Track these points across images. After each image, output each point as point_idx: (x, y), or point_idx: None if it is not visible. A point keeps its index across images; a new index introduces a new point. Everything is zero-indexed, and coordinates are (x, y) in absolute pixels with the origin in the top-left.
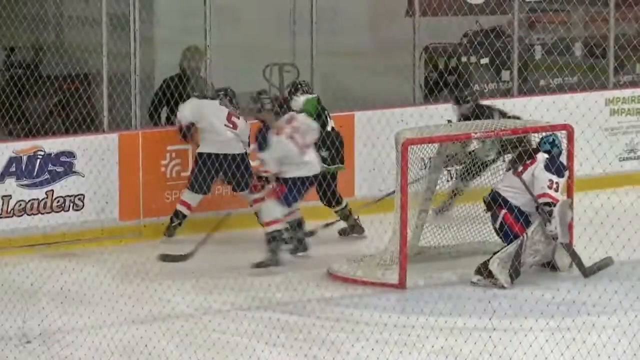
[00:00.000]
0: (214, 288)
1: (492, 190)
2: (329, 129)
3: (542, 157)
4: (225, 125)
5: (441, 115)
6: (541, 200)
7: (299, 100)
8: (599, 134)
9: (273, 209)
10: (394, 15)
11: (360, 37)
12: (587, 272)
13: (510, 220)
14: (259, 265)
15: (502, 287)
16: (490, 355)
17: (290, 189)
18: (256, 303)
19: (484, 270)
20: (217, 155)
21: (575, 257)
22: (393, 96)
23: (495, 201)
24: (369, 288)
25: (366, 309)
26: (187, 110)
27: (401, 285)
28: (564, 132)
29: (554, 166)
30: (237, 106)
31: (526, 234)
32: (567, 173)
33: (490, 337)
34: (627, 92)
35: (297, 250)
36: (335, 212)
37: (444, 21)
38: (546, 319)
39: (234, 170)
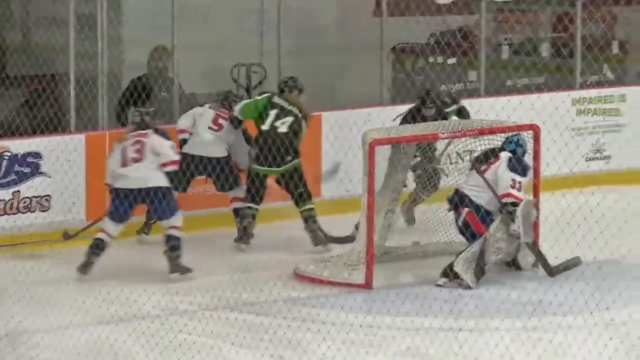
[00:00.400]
0: (180, 289)
1: (456, 189)
2: (264, 127)
3: (505, 156)
4: (209, 127)
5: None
6: (505, 200)
7: (237, 106)
8: (566, 134)
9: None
10: (361, 16)
11: (327, 37)
12: (554, 272)
13: (473, 219)
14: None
15: (468, 287)
16: (456, 355)
17: (113, 199)
18: (222, 303)
19: (449, 272)
20: (192, 156)
21: (540, 257)
22: (361, 96)
23: (460, 200)
24: (336, 288)
25: (332, 310)
26: (189, 120)
27: (367, 285)
28: (530, 132)
29: (519, 166)
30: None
31: (488, 232)
32: (530, 173)
33: (456, 337)
34: (594, 93)
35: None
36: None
37: (412, 21)
38: (512, 319)
39: (218, 172)
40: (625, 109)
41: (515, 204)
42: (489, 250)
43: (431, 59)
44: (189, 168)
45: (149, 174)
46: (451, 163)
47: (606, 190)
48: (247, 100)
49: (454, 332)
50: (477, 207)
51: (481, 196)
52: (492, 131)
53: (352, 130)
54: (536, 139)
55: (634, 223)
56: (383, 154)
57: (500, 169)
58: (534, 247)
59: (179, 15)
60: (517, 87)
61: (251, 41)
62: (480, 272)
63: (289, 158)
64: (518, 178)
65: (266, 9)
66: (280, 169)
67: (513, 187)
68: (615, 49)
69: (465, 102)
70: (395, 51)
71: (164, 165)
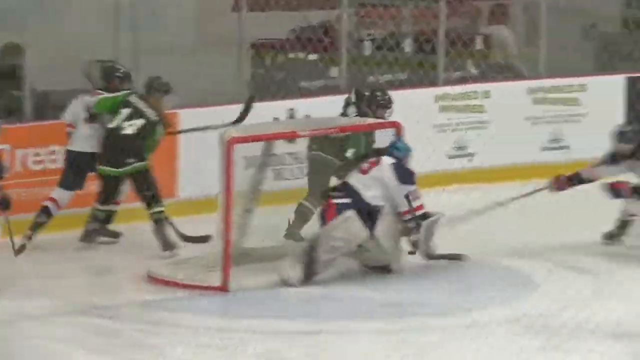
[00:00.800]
0: (30, 293)
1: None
2: (110, 126)
3: (386, 161)
4: (84, 119)
5: (270, 113)
6: (414, 215)
7: (92, 100)
8: (429, 131)
9: None
10: (220, 11)
11: (186, 34)
12: (431, 255)
13: (331, 212)
14: None
15: (293, 285)
16: (316, 358)
17: None
18: (73, 308)
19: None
20: (71, 152)
21: (443, 257)
22: (219, 94)
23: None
24: (191, 291)
25: (187, 313)
26: (69, 114)
27: (224, 288)
28: (392, 129)
29: (406, 174)
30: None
31: (324, 229)
32: (415, 177)
33: (315, 340)
34: (457, 89)
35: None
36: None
37: (272, 16)
38: (373, 320)
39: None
40: (489, 105)
41: (425, 215)
42: (321, 248)
43: (292, 55)
44: (72, 165)
45: None
46: None
47: (469, 189)
48: (108, 95)
49: (314, 335)
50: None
51: (363, 193)
52: (353, 129)
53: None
54: (398, 136)
55: (495, 222)
56: (244, 152)
57: (387, 178)
58: (431, 257)
59: (33, 11)
60: (379, 83)
61: (106, 38)
62: (309, 268)
63: (131, 161)
64: (411, 188)
65: (122, 4)
66: (120, 170)
67: (414, 199)
68: (479, 44)
69: (326, 99)
70: (255, 47)
71: None
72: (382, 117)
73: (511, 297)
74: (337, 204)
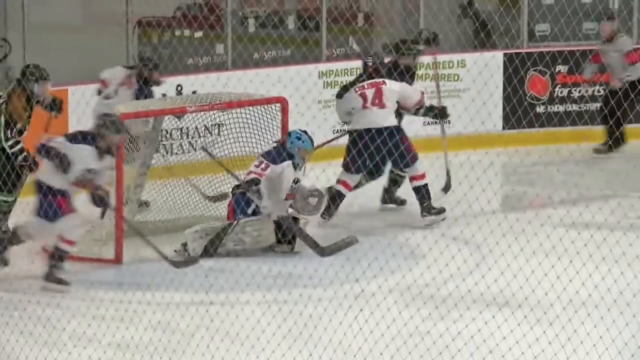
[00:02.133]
0: None
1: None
2: None
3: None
4: None
5: (158, 90)
6: (247, 178)
7: None
8: (313, 106)
9: None
10: None
11: (72, 11)
12: (325, 252)
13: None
14: None
15: (190, 256)
16: (207, 329)
17: None
18: None
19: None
20: None
21: (306, 238)
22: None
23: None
24: (85, 264)
25: (82, 285)
26: None
27: (117, 260)
28: (278, 105)
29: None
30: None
31: (239, 218)
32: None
33: (207, 311)
34: (340, 65)
35: None
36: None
37: None
38: (263, 292)
39: None
40: None
41: (255, 181)
42: (230, 235)
43: (178, 32)
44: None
45: None
46: (200, 137)
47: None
48: None
49: (205, 306)
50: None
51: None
52: (240, 104)
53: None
54: (284, 111)
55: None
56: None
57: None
58: (300, 231)
59: None
60: (264, 60)
61: None
62: (211, 247)
63: None
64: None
65: None
66: None
67: (257, 167)
68: (360, 21)
69: (213, 76)
70: (142, 25)
71: None
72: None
73: (399, 267)
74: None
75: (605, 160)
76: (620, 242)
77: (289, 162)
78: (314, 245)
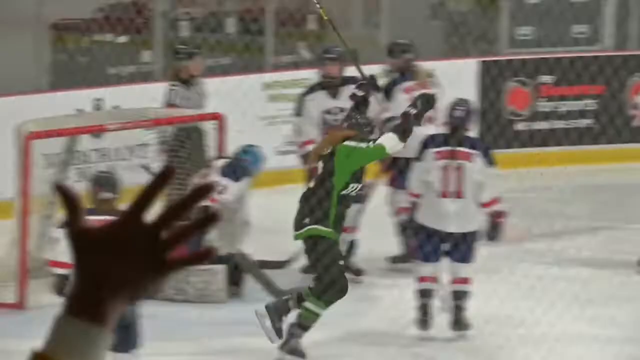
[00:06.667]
0: None
1: None
2: None
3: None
4: None
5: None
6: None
7: None
8: (256, 123)
9: None
10: None
11: None
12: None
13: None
14: None
15: None
16: None
17: None
18: None
19: None
20: None
21: (260, 277)
22: (14, 81)
23: None
24: None
25: None
26: None
27: (20, 305)
28: (214, 122)
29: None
30: None
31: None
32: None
33: None
34: (288, 75)
35: None
36: None
37: None
38: (192, 341)
39: None
40: None
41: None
42: (170, 282)
43: (98, 37)
44: None
45: None
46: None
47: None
48: None
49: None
50: None
51: None
52: (169, 121)
53: (4, 120)
54: (220, 129)
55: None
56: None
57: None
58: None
59: None
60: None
61: None
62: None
63: None
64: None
65: None
66: None
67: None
68: (311, 24)
69: (139, 88)
70: (56, 28)
71: None
72: None
73: (356, 312)
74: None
75: (594, 187)
76: (611, 281)
77: (247, 180)
78: (268, 285)
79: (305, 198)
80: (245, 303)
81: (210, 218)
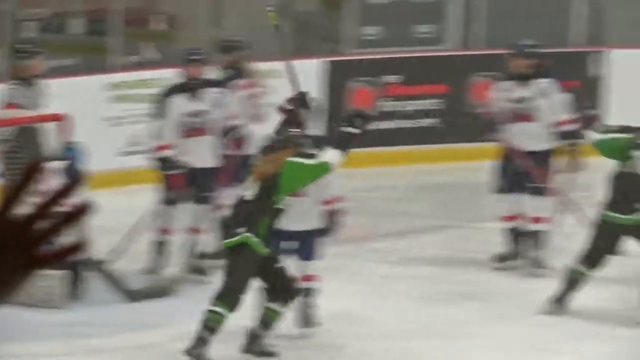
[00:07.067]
0: None
1: None
2: None
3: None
4: None
5: None
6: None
7: None
8: (100, 124)
9: None
10: None
11: None
12: (137, 296)
13: None
14: None
15: None
16: None
17: None
18: None
19: None
20: None
21: (109, 277)
22: None
23: None
24: None
25: None
26: None
27: None
28: (56, 122)
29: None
30: None
31: None
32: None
33: None
34: (134, 76)
35: None
36: None
37: None
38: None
39: None
40: None
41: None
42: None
43: None
44: None
45: None
46: None
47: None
48: None
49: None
50: None
51: None
52: (11, 123)
53: None
54: (63, 130)
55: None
56: None
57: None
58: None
59: None
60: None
61: None
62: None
63: None
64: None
65: None
66: None
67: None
68: (158, 24)
69: None
70: None
71: None
72: None
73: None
74: None
75: (440, 186)
76: (455, 279)
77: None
78: (119, 286)
79: (241, 207)
80: (87, 304)
81: (79, 212)
